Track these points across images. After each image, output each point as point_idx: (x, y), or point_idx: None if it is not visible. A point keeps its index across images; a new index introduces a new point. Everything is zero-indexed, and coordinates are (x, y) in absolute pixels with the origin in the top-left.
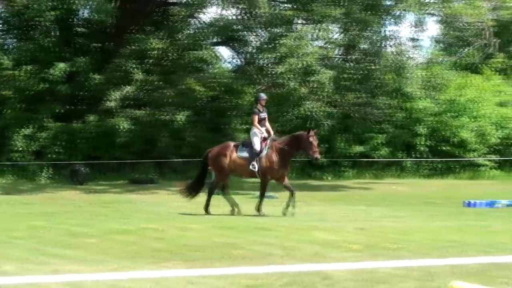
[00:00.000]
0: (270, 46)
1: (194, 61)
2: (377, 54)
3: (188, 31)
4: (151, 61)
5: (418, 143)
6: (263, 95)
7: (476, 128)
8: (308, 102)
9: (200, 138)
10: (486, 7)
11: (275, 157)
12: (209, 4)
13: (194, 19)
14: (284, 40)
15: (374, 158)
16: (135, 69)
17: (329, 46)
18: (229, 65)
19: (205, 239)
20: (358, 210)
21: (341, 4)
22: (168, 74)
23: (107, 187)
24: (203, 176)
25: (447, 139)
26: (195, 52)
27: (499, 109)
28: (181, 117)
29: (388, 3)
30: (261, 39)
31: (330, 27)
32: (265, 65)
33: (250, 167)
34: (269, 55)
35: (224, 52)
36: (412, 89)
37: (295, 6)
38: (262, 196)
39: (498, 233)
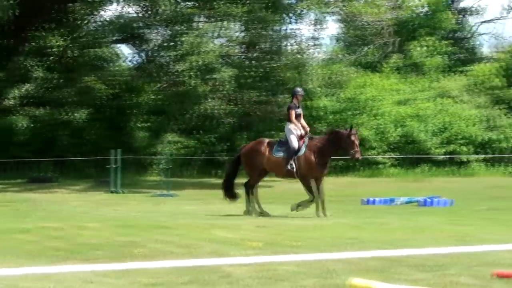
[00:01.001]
0: (171, 43)
1: (94, 59)
2: (278, 52)
3: (89, 29)
4: (51, 58)
5: None
6: (300, 90)
7: (375, 126)
8: (209, 100)
9: (100, 136)
10: (385, 6)
11: (313, 156)
12: (109, 2)
13: (95, 17)
14: (185, 38)
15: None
16: (35, 67)
17: (230, 44)
18: (130, 63)
19: (105, 238)
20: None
21: (243, 2)
22: (69, 72)
23: (5, 186)
24: (234, 175)
25: None
26: (96, 50)
27: (397, 108)
28: (81, 115)
29: (290, 1)
30: (162, 37)
31: (231, 25)
32: (165, 63)
33: (288, 166)
34: (170, 53)
35: (125, 50)
36: (313, 87)
37: (196, 4)
38: (313, 196)
39: (396, 230)
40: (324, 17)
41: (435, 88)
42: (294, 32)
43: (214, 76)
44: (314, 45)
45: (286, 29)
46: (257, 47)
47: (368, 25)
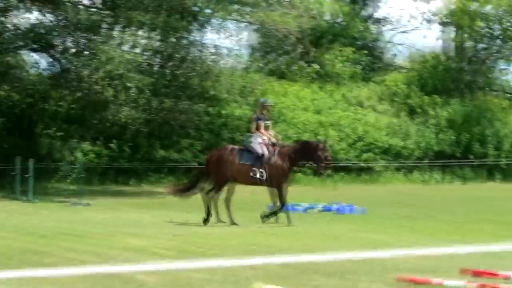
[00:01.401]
0: (83, 52)
1: (7, 67)
2: (195, 61)
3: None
4: None
5: None
6: (268, 101)
7: (294, 135)
8: (123, 109)
9: (13, 146)
10: (301, 15)
11: (286, 164)
12: (15, 8)
13: (6, 24)
14: (100, 47)
15: (192, 164)
16: None
17: (146, 53)
18: (40, 71)
19: (14, 247)
20: (174, 216)
21: (159, 10)
22: None
23: None
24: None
25: None
26: (8, 58)
27: (315, 116)
28: None
29: (205, 11)
30: (72, 44)
31: (148, 34)
32: (80, 71)
33: (252, 174)
34: (85, 62)
35: (35, 57)
36: (229, 96)
37: (112, 13)
38: (283, 206)
39: (309, 236)
40: (239, 27)
41: (352, 97)
42: (211, 42)
43: (129, 85)
44: (230, 54)
45: (200, 38)
46: (173, 55)
47: (285, 35)
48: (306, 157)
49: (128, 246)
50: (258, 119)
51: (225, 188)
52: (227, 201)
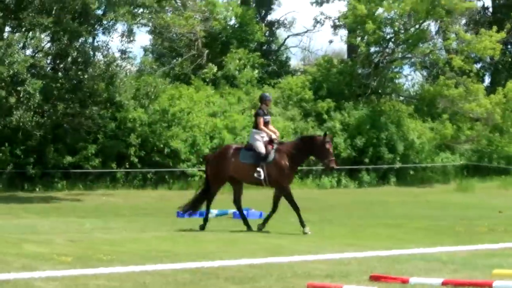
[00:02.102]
0: None
1: None
2: (87, 63)
3: None
4: None
5: (131, 153)
6: (268, 95)
7: (188, 138)
8: (17, 112)
9: None
10: (197, 19)
11: (284, 162)
12: None
13: None
14: (2, 50)
15: (86, 168)
16: None
17: (39, 55)
18: None
19: None
20: (70, 222)
21: (52, 12)
22: None
23: None
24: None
25: (160, 150)
26: None
27: (211, 119)
28: None
29: (98, 12)
30: None
31: (41, 36)
32: None
33: (255, 174)
34: None
35: None
36: (123, 98)
37: (5, 14)
38: (297, 209)
39: (209, 242)
40: (134, 28)
41: (248, 100)
42: (104, 44)
43: (22, 87)
44: (124, 57)
45: (96, 41)
46: (67, 58)
47: (179, 37)
48: (311, 152)
49: (24, 252)
50: (263, 114)
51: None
52: (238, 203)
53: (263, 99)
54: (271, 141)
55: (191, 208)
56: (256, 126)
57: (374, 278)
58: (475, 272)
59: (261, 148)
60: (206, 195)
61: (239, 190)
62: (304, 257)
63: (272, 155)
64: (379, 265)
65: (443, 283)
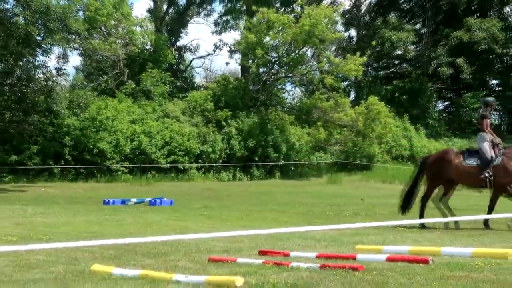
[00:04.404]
0: None
1: None
2: (29, 79)
3: None
4: None
5: (66, 153)
6: (492, 99)
7: (113, 141)
8: None
9: None
10: (119, 43)
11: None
12: None
13: None
14: None
15: (29, 165)
16: None
17: None
18: None
19: None
20: (15, 208)
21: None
22: None
23: None
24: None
25: (90, 150)
26: None
27: (131, 125)
28: None
29: (39, 38)
30: None
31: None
32: None
33: (483, 175)
34: None
35: None
36: (59, 108)
37: None
38: (491, 210)
39: (129, 224)
40: (66, 52)
41: (160, 110)
42: (43, 63)
43: None
44: (60, 74)
45: (37, 61)
46: (13, 75)
47: (105, 59)
48: None
49: None
50: (486, 116)
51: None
52: (445, 203)
53: (489, 103)
54: (495, 145)
55: (406, 204)
56: (482, 128)
57: (262, 253)
58: (342, 247)
59: (489, 151)
60: (413, 192)
61: (448, 192)
62: (206, 235)
63: (500, 158)
64: (266, 242)
65: (317, 256)
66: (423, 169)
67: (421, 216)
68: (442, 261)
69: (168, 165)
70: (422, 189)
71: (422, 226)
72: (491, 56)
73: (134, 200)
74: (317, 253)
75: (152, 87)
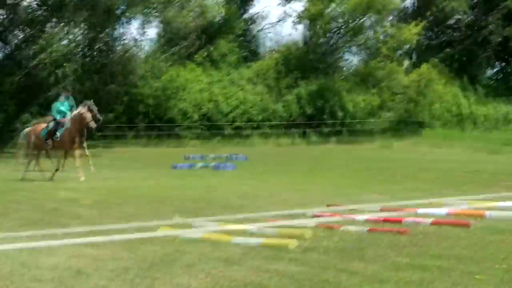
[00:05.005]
0: (26, 44)
1: None
2: (110, 51)
3: None
4: None
5: (140, 119)
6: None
7: (183, 108)
8: (54, 89)
9: None
10: (193, 15)
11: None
12: None
13: None
14: (40, 41)
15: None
16: None
17: (72, 44)
18: None
19: None
20: (91, 174)
21: (86, 9)
22: None
23: None
24: None
25: (161, 117)
26: None
27: (200, 94)
28: None
29: (119, 11)
30: (19, 39)
31: (75, 30)
32: (23, 59)
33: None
34: (26, 52)
35: None
36: (135, 79)
37: (48, 11)
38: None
39: (194, 188)
40: (145, 23)
41: (228, 78)
42: (121, 35)
43: (60, 70)
44: (137, 46)
45: (115, 32)
46: (93, 47)
47: (178, 30)
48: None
49: (56, 197)
50: None
51: None
52: None
53: None
54: None
55: None
56: None
57: (316, 215)
58: (391, 212)
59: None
60: None
61: None
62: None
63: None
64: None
65: (367, 220)
66: None
67: None
68: (485, 225)
69: (234, 131)
70: None
71: None
72: None
73: (200, 164)
74: (368, 216)
75: (221, 57)
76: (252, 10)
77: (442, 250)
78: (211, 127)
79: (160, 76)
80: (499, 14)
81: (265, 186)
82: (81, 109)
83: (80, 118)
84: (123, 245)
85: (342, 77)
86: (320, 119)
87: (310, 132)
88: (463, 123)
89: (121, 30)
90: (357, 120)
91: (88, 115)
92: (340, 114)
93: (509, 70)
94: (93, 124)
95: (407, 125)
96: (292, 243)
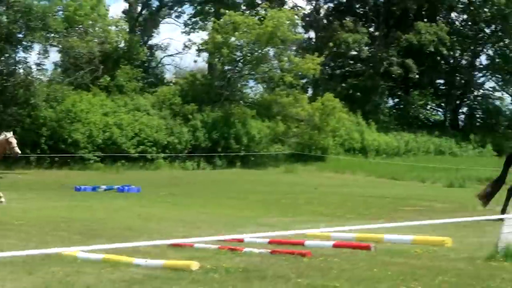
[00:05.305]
0: None
1: None
2: (11, 74)
3: None
4: None
5: (42, 142)
6: None
7: (86, 132)
8: None
9: None
10: (95, 42)
11: None
12: None
13: None
14: None
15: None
16: None
17: None
18: None
19: None
20: None
21: None
22: None
23: None
24: (503, 178)
25: (65, 139)
26: None
27: (104, 118)
28: None
29: (20, 36)
30: None
31: None
32: None
33: None
34: None
35: None
36: (37, 101)
37: None
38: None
39: (97, 210)
40: (46, 48)
41: (132, 104)
42: (23, 59)
43: None
44: (39, 69)
45: (17, 56)
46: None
47: (81, 55)
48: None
49: None
50: None
51: None
52: None
53: None
54: None
55: (488, 197)
56: None
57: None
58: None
59: None
60: (498, 186)
61: None
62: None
63: None
64: (223, 228)
65: (270, 242)
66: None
67: (505, 207)
68: (385, 247)
69: (137, 154)
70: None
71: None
72: (437, 58)
73: (103, 187)
74: (270, 239)
75: (125, 83)
76: (154, 39)
77: (342, 271)
78: (116, 150)
79: (63, 100)
80: (399, 47)
81: (170, 209)
82: (7, 134)
83: (6, 143)
84: (23, 266)
85: (247, 104)
86: (225, 145)
87: (216, 157)
88: (366, 150)
89: (23, 54)
90: (263, 146)
91: (14, 141)
92: (245, 140)
93: (409, 101)
94: (18, 150)
95: (311, 151)
96: (195, 265)
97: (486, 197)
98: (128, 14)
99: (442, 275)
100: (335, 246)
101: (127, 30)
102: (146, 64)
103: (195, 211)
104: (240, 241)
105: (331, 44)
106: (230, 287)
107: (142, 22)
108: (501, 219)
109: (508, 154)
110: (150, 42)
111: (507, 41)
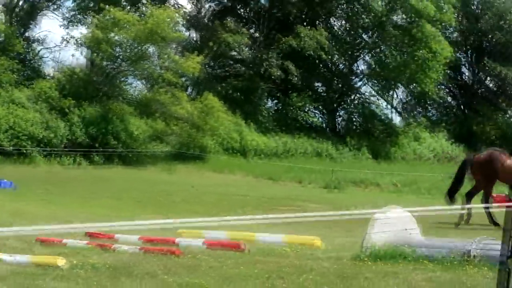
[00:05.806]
0: None
1: None
2: None
3: None
4: None
5: None
6: None
7: None
8: None
9: None
10: None
11: None
12: None
13: None
14: None
15: None
16: None
17: None
18: None
19: None
20: None
21: None
22: None
23: None
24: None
25: None
26: None
27: None
28: None
29: None
30: None
31: None
32: None
33: None
34: None
35: None
36: None
37: None
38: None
39: None
40: None
41: (6, 96)
42: None
43: None
44: None
45: None
46: None
47: None
48: None
49: None
50: None
51: None
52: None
53: None
54: None
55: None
56: None
57: (89, 234)
58: (166, 232)
59: None
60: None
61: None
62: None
63: None
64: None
65: (140, 239)
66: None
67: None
68: (256, 246)
69: (11, 148)
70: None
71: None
72: (317, 62)
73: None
74: (140, 235)
75: (2, 73)
76: (32, 32)
77: (210, 269)
78: None
79: None
80: (279, 50)
81: (44, 207)
82: None
83: None
84: None
85: (126, 101)
86: (104, 141)
87: (94, 154)
88: (245, 151)
89: None
90: (141, 143)
91: None
92: (123, 137)
93: (289, 103)
94: None
95: (190, 150)
96: (61, 261)
97: (449, 195)
98: (6, 4)
99: (307, 273)
100: (206, 244)
101: (3, 20)
102: (22, 56)
103: (71, 209)
104: (111, 237)
105: (211, 44)
106: (95, 283)
107: (20, 13)
108: (497, 224)
109: (464, 159)
110: (27, 34)
111: (383, 48)
